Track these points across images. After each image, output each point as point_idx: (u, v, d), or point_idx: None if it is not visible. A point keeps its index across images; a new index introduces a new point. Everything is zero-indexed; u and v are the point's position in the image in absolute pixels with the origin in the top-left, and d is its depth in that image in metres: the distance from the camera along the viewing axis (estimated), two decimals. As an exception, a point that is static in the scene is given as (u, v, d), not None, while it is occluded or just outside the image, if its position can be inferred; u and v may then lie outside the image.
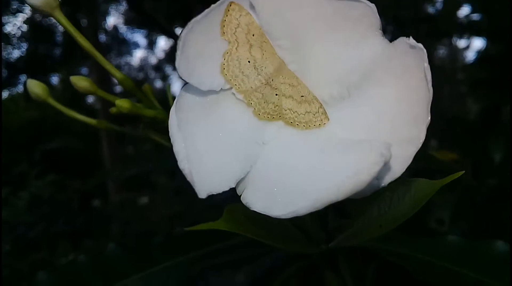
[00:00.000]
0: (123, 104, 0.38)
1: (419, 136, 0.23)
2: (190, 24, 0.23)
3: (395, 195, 0.30)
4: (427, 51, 0.23)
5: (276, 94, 0.27)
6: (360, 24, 0.25)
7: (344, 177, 0.21)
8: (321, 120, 0.26)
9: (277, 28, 0.26)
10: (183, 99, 0.25)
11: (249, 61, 0.26)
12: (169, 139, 0.45)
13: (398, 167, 0.24)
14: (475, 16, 1.23)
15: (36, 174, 1.91)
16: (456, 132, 1.32)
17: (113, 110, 0.41)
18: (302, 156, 0.25)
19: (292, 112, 0.27)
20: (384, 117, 0.24)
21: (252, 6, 0.25)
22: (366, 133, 0.25)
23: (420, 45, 0.23)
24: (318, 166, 0.24)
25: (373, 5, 0.24)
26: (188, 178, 0.23)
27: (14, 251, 1.30)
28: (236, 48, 0.26)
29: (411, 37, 0.23)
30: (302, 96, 0.26)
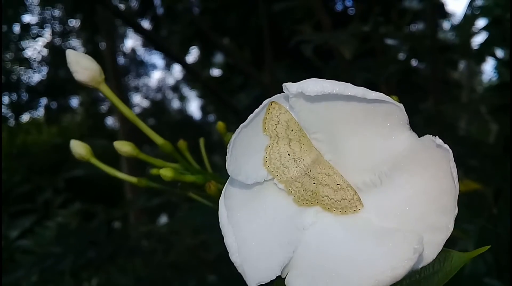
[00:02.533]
0: (166, 173, 0.40)
1: (448, 225, 0.25)
2: (239, 129, 0.26)
3: (428, 265, 0.32)
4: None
5: (314, 183, 0.29)
6: (389, 120, 0.27)
7: (383, 270, 0.24)
8: (356, 206, 0.29)
9: (313, 124, 0.29)
10: (230, 190, 0.28)
11: (288, 154, 0.29)
12: (206, 197, 0.48)
13: (429, 253, 0.26)
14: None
15: (61, 203, 1.95)
16: (477, 157, 1.32)
17: (154, 172, 0.44)
18: (340, 242, 0.28)
19: (329, 199, 0.29)
20: (414, 204, 0.27)
21: (291, 107, 0.28)
22: (398, 219, 0.27)
23: (446, 146, 0.25)
24: (356, 255, 0.27)
25: (401, 105, 0.26)
26: (240, 270, 0.25)
27: (41, 282, 1.33)
28: (277, 142, 0.29)
29: (437, 136, 0.26)
30: (337, 184, 0.29)
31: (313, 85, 0.25)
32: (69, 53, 0.42)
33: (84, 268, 1.37)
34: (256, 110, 0.27)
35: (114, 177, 0.49)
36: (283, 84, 0.26)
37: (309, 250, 0.28)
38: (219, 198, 0.42)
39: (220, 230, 0.26)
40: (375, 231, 0.27)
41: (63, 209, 1.86)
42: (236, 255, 0.25)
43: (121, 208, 1.53)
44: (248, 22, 1.92)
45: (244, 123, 0.26)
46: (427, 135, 0.26)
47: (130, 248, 1.34)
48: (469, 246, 0.94)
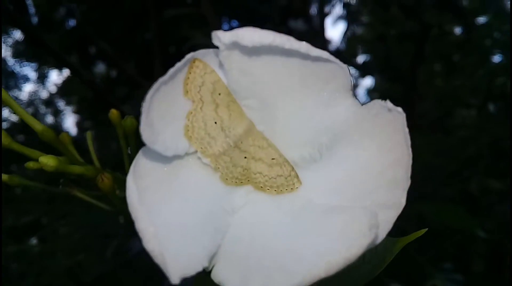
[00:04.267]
0: (48, 161, 0.33)
1: (400, 200, 0.22)
2: (156, 85, 0.21)
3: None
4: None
5: (245, 157, 0.24)
6: (331, 85, 0.24)
7: (334, 252, 0.20)
8: (293, 184, 0.24)
9: (245, 88, 0.24)
10: (141, 165, 0.22)
11: (215, 122, 0.24)
12: (98, 197, 0.40)
13: (381, 232, 0.23)
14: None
15: None
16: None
17: (30, 165, 0.36)
18: (277, 226, 0.23)
19: (262, 176, 0.25)
20: (360, 179, 0.23)
21: (221, 64, 0.23)
22: (342, 197, 0.23)
23: (399, 108, 0.22)
24: (298, 239, 0.22)
25: (345, 66, 0.23)
26: (158, 261, 0.20)
27: None
28: (201, 108, 0.24)
29: (388, 100, 0.23)
30: (272, 158, 0.25)
31: (250, 34, 0.21)
32: None
33: None
34: (178, 64, 0.22)
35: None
36: (213, 32, 0.22)
37: (239, 237, 0.23)
38: (112, 195, 0.35)
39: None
40: (318, 210, 0.23)
41: None
42: (153, 242, 0.19)
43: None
44: (133, 33, 1.84)
45: (163, 78, 0.21)
46: (375, 99, 0.23)
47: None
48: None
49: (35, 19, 2.15)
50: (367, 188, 0.23)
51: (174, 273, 0.20)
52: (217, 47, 0.23)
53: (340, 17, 2.00)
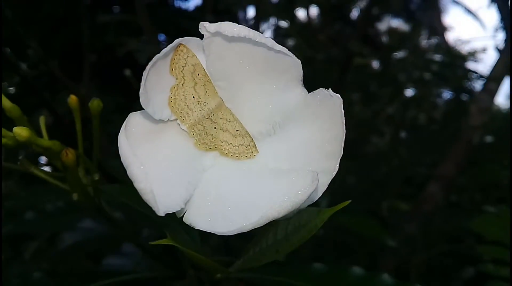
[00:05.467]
0: (21, 132, 0.36)
1: (334, 167, 0.29)
2: (154, 59, 0.26)
3: (290, 223, 0.36)
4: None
5: (215, 127, 0.30)
6: (287, 74, 0.30)
7: (284, 199, 0.26)
8: (252, 152, 0.30)
9: (219, 71, 0.30)
10: (132, 125, 0.27)
11: (193, 97, 0.30)
12: (55, 176, 0.43)
13: (316, 193, 0.29)
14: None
15: None
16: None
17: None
18: (238, 181, 0.29)
19: (227, 144, 0.30)
20: (305, 150, 0.30)
21: (201, 51, 0.29)
22: (291, 163, 0.30)
23: (338, 95, 0.29)
24: (254, 191, 0.28)
25: (298, 60, 0.30)
26: (147, 197, 0.25)
27: None
28: (182, 84, 0.29)
29: (330, 89, 0.29)
30: (237, 130, 0.31)
31: (231, 27, 0.27)
32: None
33: None
34: (168, 47, 0.27)
35: None
36: (200, 23, 0.27)
37: (207, 190, 0.28)
38: (73, 171, 0.39)
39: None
40: (271, 171, 0.29)
41: None
42: (144, 182, 0.24)
43: None
44: (53, 39, 1.81)
45: (159, 55, 0.26)
46: (320, 88, 0.30)
47: None
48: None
49: None
50: (310, 157, 0.30)
51: (161, 208, 0.25)
52: (199, 37, 0.29)
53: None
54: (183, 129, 0.30)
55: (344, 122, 0.29)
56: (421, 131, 2.09)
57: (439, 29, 3.60)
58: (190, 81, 0.30)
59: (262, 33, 0.28)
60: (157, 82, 0.28)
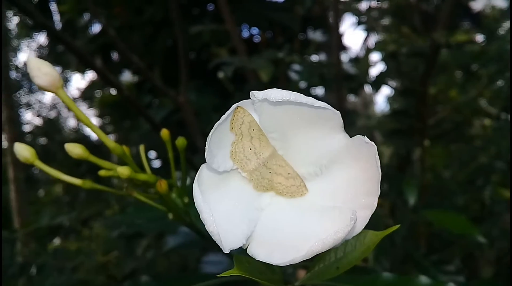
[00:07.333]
0: (124, 171, 0.45)
1: (373, 203, 0.34)
2: (216, 125, 0.33)
3: (348, 244, 0.41)
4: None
5: (270, 172, 0.36)
6: (329, 123, 0.35)
7: (327, 235, 0.31)
8: (302, 191, 0.36)
9: (271, 125, 0.36)
10: (203, 176, 0.34)
11: (250, 149, 0.36)
12: (151, 197, 0.52)
13: (359, 225, 0.34)
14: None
15: None
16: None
17: (103, 173, 0.47)
18: (291, 218, 0.35)
19: (281, 185, 0.36)
20: (347, 189, 0.35)
21: (255, 110, 0.35)
22: (335, 200, 0.35)
23: (372, 142, 0.33)
24: (304, 227, 0.34)
25: (338, 112, 0.35)
26: (215, 238, 0.31)
27: None
28: (241, 139, 0.36)
29: (365, 136, 0.34)
30: (288, 173, 0.36)
31: (276, 93, 0.33)
32: (30, 59, 0.45)
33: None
34: (228, 112, 0.34)
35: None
36: (251, 91, 0.33)
37: (266, 225, 0.35)
38: (167, 197, 0.47)
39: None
40: (318, 209, 0.35)
41: None
42: (213, 226, 0.31)
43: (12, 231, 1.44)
44: (155, 42, 1.92)
45: (219, 121, 0.33)
46: (358, 135, 0.35)
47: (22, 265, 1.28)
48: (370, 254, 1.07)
49: (58, 25, 2.21)
50: (351, 195, 0.35)
51: (226, 246, 0.32)
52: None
53: (358, 24, 2.06)
54: (243, 176, 0.36)
55: (379, 166, 0.33)
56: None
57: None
58: (247, 136, 0.36)
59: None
60: (220, 141, 0.35)
